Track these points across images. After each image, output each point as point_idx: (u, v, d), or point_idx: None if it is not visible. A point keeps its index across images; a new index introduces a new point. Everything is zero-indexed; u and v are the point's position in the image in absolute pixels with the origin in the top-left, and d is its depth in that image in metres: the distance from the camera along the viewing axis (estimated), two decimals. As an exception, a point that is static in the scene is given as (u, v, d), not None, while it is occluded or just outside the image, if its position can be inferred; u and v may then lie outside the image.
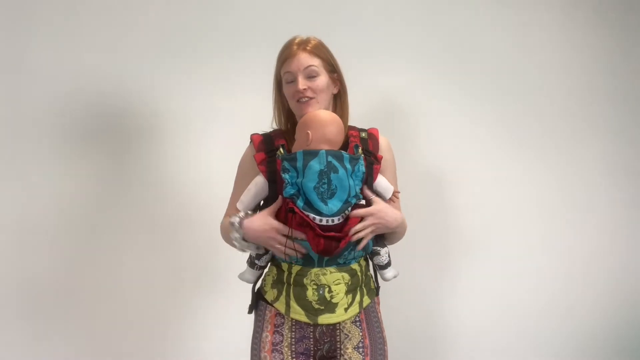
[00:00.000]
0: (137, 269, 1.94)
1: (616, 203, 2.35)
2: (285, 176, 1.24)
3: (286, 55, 1.34)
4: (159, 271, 1.96)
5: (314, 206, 1.22)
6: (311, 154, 1.24)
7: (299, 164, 1.23)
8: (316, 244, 1.22)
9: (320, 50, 1.36)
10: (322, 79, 1.34)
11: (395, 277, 1.42)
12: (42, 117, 1.87)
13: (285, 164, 1.25)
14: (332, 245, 1.24)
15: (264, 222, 1.27)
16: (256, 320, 1.39)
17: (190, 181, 1.96)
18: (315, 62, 1.33)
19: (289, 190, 1.23)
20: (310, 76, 1.33)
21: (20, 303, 1.87)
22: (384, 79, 2.11)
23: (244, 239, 1.29)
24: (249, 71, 1.95)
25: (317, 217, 1.22)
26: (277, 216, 1.29)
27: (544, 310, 2.28)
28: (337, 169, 1.24)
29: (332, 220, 1.23)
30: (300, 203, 1.22)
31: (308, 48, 1.34)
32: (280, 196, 1.28)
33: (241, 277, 1.39)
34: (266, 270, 1.41)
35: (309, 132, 1.27)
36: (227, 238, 1.35)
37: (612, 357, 2.34)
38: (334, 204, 1.23)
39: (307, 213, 1.22)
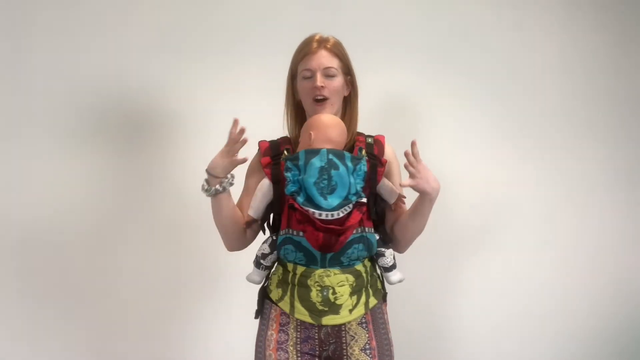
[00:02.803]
0: (138, 270, 1.94)
1: (618, 203, 2.36)
2: (288, 175, 1.27)
3: (306, 51, 1.35)
4: (160, 273, 1.96)
5: (314, 201, 1.24)
6: (313, 152, 1.27)
7: (301, 162, 1.26)
8: (315, 238, 1.24)
9: (339, 50, 1.38)
10: (339, 80, 1.37)
11: (400, 281, 1.41)
12: (42, 117, 1.87)
13: (289, 163, 1.28)
14: (331, 239, 1.24)
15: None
16: (261, 319, 1.40)
17: (194, 183, 1.95)
18: (335, 64, 1.35)
19: (290, 188, 1.26)
20: (328, 76, 1.35)
21: (20, 303, 1.86)
22: (383, 78, 2.10)
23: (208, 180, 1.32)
24: (254, 73, 1.95)
25: (317, 212, 1.23)
26: (281, 216, 1.32)
27: (547, 311, 2.29)
28: (337, 166, 1.26)
29: (332, 215, 1.24)
30: (300, 199, 1.24)
31: (328, 46, 1.36)
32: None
33: (248, 278, 1.41)
34: (273, 270, 1.42)
35: (311, 132, 1.30)
36: (217, 215, 1.36)
37: (613, 358, 2.35)
38: (334, 199, 1.24)
39: (306, 208, 1.23)
